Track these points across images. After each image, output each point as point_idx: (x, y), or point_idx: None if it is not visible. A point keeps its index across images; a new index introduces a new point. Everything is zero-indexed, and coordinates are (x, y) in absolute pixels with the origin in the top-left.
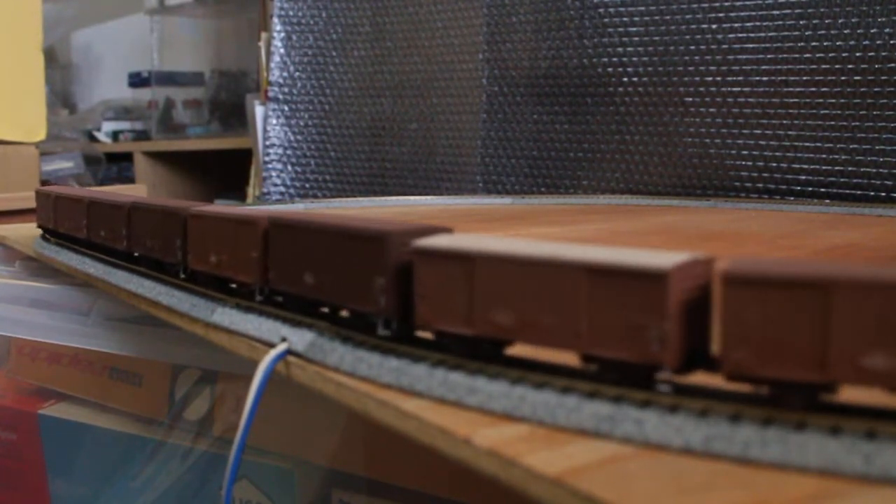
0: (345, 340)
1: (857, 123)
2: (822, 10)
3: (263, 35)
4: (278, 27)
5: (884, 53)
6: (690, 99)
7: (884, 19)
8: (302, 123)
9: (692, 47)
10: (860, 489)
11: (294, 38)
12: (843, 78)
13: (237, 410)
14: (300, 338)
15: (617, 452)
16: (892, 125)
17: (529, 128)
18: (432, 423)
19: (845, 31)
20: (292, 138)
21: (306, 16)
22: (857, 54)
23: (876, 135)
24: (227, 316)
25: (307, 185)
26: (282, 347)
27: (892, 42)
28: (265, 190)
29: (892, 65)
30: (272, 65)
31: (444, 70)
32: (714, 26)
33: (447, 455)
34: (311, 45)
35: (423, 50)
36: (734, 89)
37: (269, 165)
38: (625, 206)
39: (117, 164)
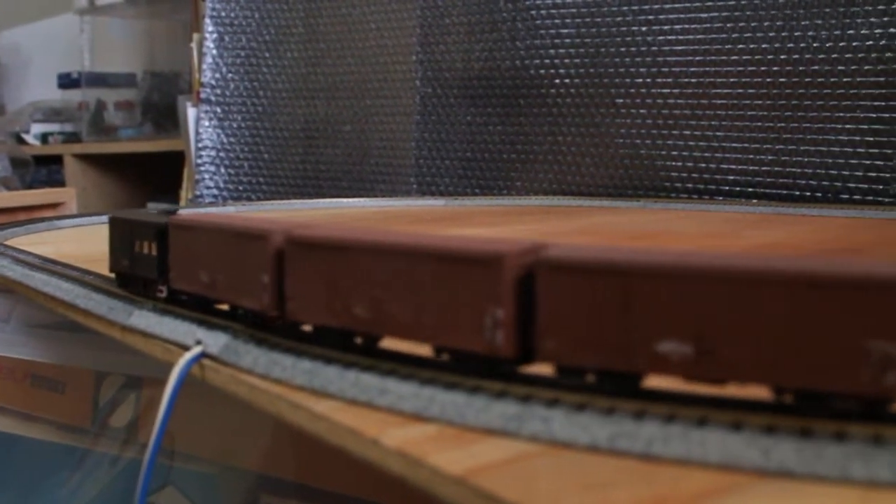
0: (259, 343)
1: (783, 124)
2: (747, 13)
3: (195, 36)
4: (210, 28)
5: (807, 56)
6: (621, 100)
7: (807, 22)
8: (235, 125)
9: (623, 49)
10: (758, 482)
11: (226, 39)
12: (768, 80)
13: None
14: (215, 340)
15: (523, 451)
16: (817, 126)
17: (463, 129)
18: (342, 424)
19: (770, 34)
20: (225, 140)
21: (238, 17)
22: (782, 56)
23: (801, 135)
24: (143, 319)
25: (240, 188)
26: (196, 350)
27: (815, 45)
28: (198, 193)
29: (815, 67)
30: (204, 66)
31: (378, 72)
32: (644, 28)
33: (356, 456)
34: (243, 46)
35: (356, 51)
36: (664, 90)
37: (202, 168)
38: (557, 207)
39: (46, 167)
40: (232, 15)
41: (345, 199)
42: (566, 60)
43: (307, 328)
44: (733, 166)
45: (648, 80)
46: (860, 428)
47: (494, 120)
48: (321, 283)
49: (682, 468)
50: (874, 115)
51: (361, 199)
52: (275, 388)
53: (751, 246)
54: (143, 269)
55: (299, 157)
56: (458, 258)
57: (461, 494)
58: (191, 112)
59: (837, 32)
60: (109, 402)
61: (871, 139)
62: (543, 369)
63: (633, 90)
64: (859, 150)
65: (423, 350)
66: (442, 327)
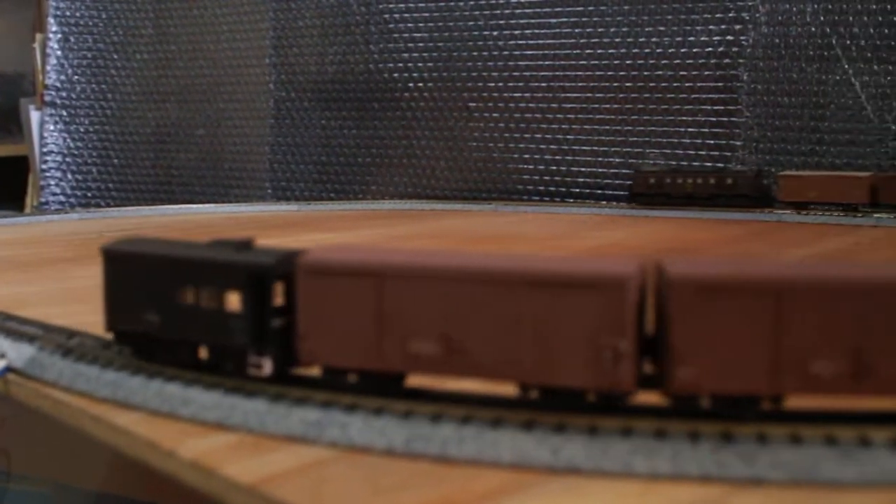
0: (65, 354)
1: (630, 128)
2: (595, 19)
3: (38, 36)
4: (54, 28)
5: (651, 61)
6: (474, 104)
7: (651, 29)
8: (82, 129)
9: (475, 53)
10: (547, 480)
11: (72, 39)
12: (615, 84)
13: None
14: (20, 353)
15: (321, 457)
16: (661, 129)
17: (318, 133)
18: (141, 437)
19: (616, 40)
20: (72, 145)
21: (84, 16)
22: (628, 62)
23: (647, 138)
24: None
25: (89, 194)
26: (0, 364)
27: (658, 51)
28: (43, 200)
29: (659, 72)
30: (48, 67)
31: (231, 75)
32: (496, 33)
33: (156, 468)
34: (90, 47)
35: (208, 54)
36: (515, 95)
37: (48, 174)
38: (409, 210)
39: None
40: (77, 14)
41: (196, 205)
42: (419, 64)
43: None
44: (583, 169)
45: (500, 84)
46: (646, 423)
47: (349, 123)
48: (364, 318)
49: (475, 468)
50: (714, 119)
51: (212, 205)
52: (78, 402)
53: (593, 247)
54: (202, 329)
55: (150, 161)
56: (562, 283)
57: (253, 503)
58: (34, 115)
59: (679, 39)
60: None
61: (712, 142)
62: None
63: (485, 94)
64: (701, 152)
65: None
66: (539, 363)
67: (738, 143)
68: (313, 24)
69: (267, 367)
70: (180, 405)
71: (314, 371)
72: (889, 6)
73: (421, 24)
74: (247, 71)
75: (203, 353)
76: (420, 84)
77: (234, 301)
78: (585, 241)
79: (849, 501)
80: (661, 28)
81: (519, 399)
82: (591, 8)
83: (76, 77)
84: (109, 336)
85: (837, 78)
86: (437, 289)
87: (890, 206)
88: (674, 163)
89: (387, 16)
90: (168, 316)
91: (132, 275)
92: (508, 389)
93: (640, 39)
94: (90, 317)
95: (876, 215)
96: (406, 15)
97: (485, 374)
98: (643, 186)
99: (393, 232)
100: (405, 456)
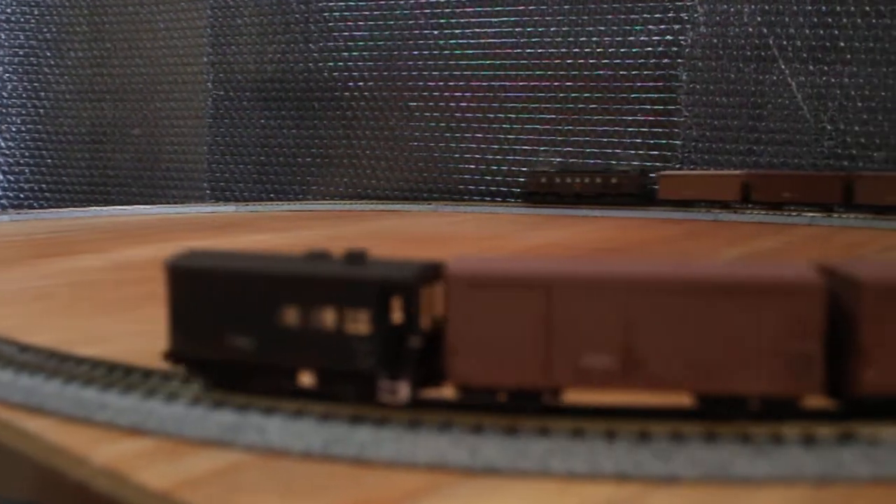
0: None
1: (570, 127)
2: (535, 18)
3: None
4: None
5: (591, 61)
6: (415, 104)
7: (591, 28)
8: (14, 129)
9: (415, 53)
10: (463, 481)
11: (2, 36)
12: (555, 84)
13: None
14: None
15: (237, 461)
16: (600, 129)
17: (257, 133)
18: (52, 443)
19: (557, 40)
20: (3, 145)
21: (16, 12)
22: (568, 61)
23: (586, 138)
24: None
25: (21, 196)
26: None
27: (598, 50)
28: None
29: (599, 72)
30: None
31: (168, 73)
32: (436, 32)
33: (67, 476)
34: (21, 44)
35: (144, 52)
36: (456, 94)
37: None
38: (349, 211)
39: None
40: (8, 10)
41: (129, 207)
42: (360, 63)
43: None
44: (523, 168)
45: (441, 83)
46: (562, 423)
47: (289, 123)
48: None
49: (392, 470)
50: (654, 119)
51: (148, 206)
52: None
53: (532, 246)
54: (312, 353)
55: (86, 162)
56: (750, 289)
57: None
58: None
59: (619, 39)
60: None
61: (652, 141)
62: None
63: (426, 94)
64: (640, 151)
65: None
66: (718, 371)
67: (678, 142)
68: (252, 23)
69: (403, 392)
70: (96, 410)
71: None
72: (824, 7)
73: (361, 23)
74: (184, 69)
75: (308, 379)
76: (360, 83)
77: (359, 321)
78: (524, 241)
79: (760, 497)
80: (602, 28)
81: (683, 409)
82: (531, 7)
83: (7, 75)
84: (27, 341)
85: (774, 78)
86: (614, 299)
87: (761, 203)
88: (613, 162)
89: (326, 14)
90: (265, 340)
91: (211, 295)
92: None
93: (581, 39)
94: (9, 321)
95: (808, 214)
96: (346, 14)
97: (662, 385)
98: (535, 186)
99: (331, 233)
100: (323, 459)
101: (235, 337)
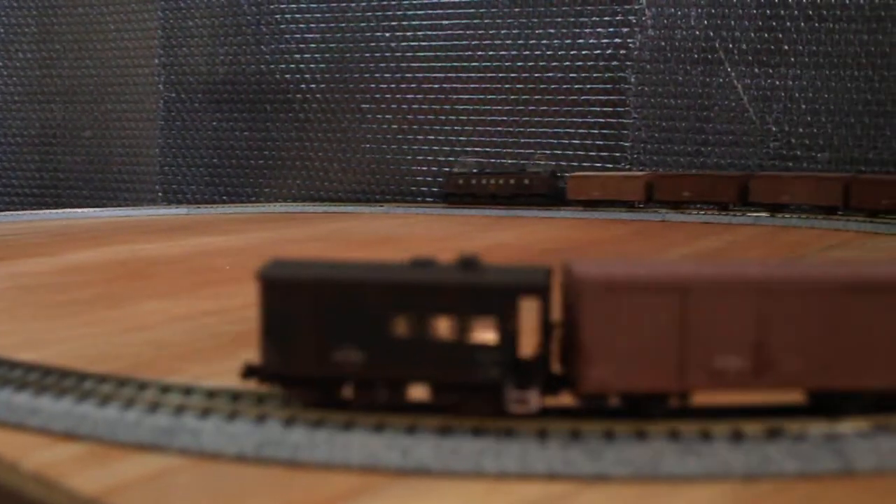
0: None
1: (521, 129)
2: (486, 21)
3: None
4: None
5: (542, 63)
6: (367, 106)
7: (541, 31)
8: None
9: (367, 55)
10: (395, 481)
11: None
12: (507, 86)
13: None
14: None
15: (169, 465)
16: (551, 131)
17: (209, 135)
18: None
19: (507, 42)
20: None
21: None
22: (519, 64)
23: (538, 140)
24: None
25: None
26: None
27: (548, 53)
28: None
29: (550, 74)
30: None
31: (119, 75)
32: (388, 34)
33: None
34: None
35: (95, 53)
36: (408, 96)
37: None
38: (301, 213)
39: None
40: None
41: (80, 210)
42: (312, 65)
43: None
44: (475, 170)
45: (393, 85)
46: (494, 423)
47: (241, 125)
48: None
49: (325, 472)
50: (603, 120)
51: (98, 209)
52: None
53: (483, 247)
54: (429, 365)
55: (35, 164)
56: (877, 287)
57: None
58: None
59: (569, 42)
60: None
61: (602, 143)
62: None
63: (378, 96)
64: (591, 153)
65: None
66: (850, 368)
67: (627, 143)
68: (203, 24)
69: (534, 401)
70: (28, 415)
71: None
72: (768, 11)
73: (313, 25)
74: (135, 71)
75: (420, 392)
76: (313, 85)
77: (484, 329)
78: (475, 242)
79: (688, 494)
80: (552, 31)
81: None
82: (482, 10)
83: None
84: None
85: (721, 80)
86: (749, 300)
87: (664, 203)
88: (564, 163)
89: (278, 16)
90: (376, 353)
91: (314, 307)
92: None
93: (531, 42)
94: None
95: (752, 214)
96: (298, 16)
97: (789, 384)
98: (453, 187)
99: (281, 235)
100: (256, 462)
101: (343, 351)
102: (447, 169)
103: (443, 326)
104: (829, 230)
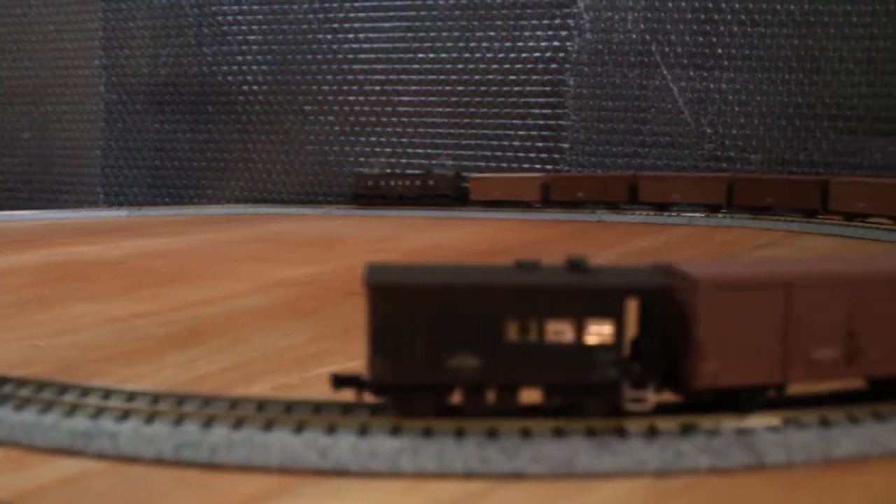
0: None
1: (462, 131)
2: (427, 23)
3: None
4: None
5: (482, 66)
6: (309, 107)
7: (481, 34)
8: None
9: (309, 56)
10: (314, 481)
11: None
12: (447, 88)
13: None
14: None
15: (87, 469)
16: (491, 133)
17: (151, 137)
18: None
19: (448, 44)
20: None
21: None
22: (460, 66)
23: (477, 141)
24: None
25: None
26: None
27: (489, 55)
28: None
29: (490, 76)
30: None
31: (59, 76)
32: (329, 36)
33: None
34: None
35: (33, 54)
36: (350, 98)
37: None
38: (242, 214)
39: None
40: None
41: (18, 212)
42: (254, 67)
43: None
44: (417, 171)
45: (335, 87)
46: (412, 422)
47: (183, 127)
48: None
49: (243, 473)
50: (542, 122)
51: (36, 212)
52: None
53: (420, 248)
54: (543, 368)
55: None
56: None
57: None
58: None
59: (508, 44)
60: None
61: (541, 144)
62: None
63: (320, 97)
64: (531, 154)
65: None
66: None
67: (566, 145)
68: (144, 26)
69: (652, 398)
70: None
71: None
72: (703, 16)
73: (255, 27)
74: (75, 72)
75: (532, 395)
76: (255, 87)
77: (602, 330)
78: (412, 243)
79: (603, 490)
80: (492, 33)
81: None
82: (423, 13)
83: None
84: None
85: (657, 83)
86: (842, 294)
87: (559, 203)
88: (505, 165)
89: (220, 18)
90: (489, 358)
91: (426, 313)
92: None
93: (472, 44)
94: None
95: (686, 215)
96: (239, 17)
97: (874, 371)
98: (363, 188)
99: (222, 237)
100: (175, 464)
101: (459, 357)
102: (391, 170)
103: (559, 329)
104: (759, 230)
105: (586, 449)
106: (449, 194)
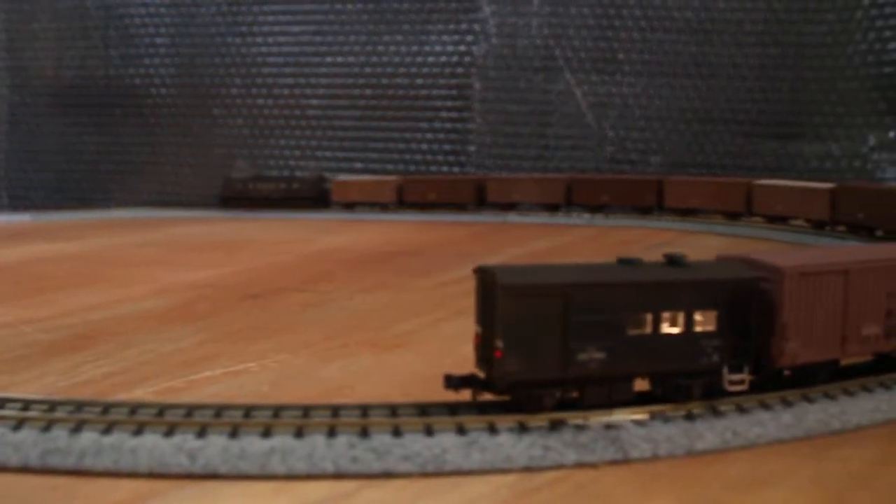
0: None
1: (371, 133)
2: (335, 27)
3: None
4: None
5: (390, 69)
6: (218, 110)
7: (388, 38)
8: None
9: (217, 59)
10: (183, 485)
11: None
12: (355, 91)
13: None
14: None
15: None
16: (399, 135)
17: (56, 140)
18: None
19: (356, 48)
20: None
21: None
22: (367, 69)
23: (383, 144)
24: None
25: None
26: None
27: (396, 59)
28: None
29: (398, 80)
30: None
31: None
32: (238, 39)
33: None
34: None
35: None
36: (259, 101)
37: None
38: (148, 218)
39: None
40: None
41: None
42: (161, 70)
43: None
44: (327, 173)
45: (244, 90)
46: (284, 422)
47: (90, 130)
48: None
49: (112, 479)
50: (450, 126)
51: None
52: None
53: (322, 249)
54: (657, 358)
55: None
56: None
57: None
58: None
59: (415, 48)
60: None
61: (448, 147)
62: None
63: (228, 100)
64: (438, 157)
65: None
66: None
67: (472, 148)
68: (49, 27)
69: (747, 380)
70: None
71: None
72: (604, 22)
73: (162, 30)
74: None
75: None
76: (163, 90)
77: (707, 320)
78: (314, 245)
79: (470, 487)
80: (399, 37)
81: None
82: (331, 17)
83: None
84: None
85: (561, 87)
86: (885, 277)
87: (413, 204)
88: (413, 168)
89: (126, 20)
90: (615, 351)
91: (559, 311)
92: None
93: (379, 48)
94: None
95: (585, 216)
96: (147, 20)
97: None
98: (232, 191)
99: (123, 241)
100: (42, 471)
101: (588, 352)
102: (301, 172)
103: (672, 320)
104: (651, 230)
105: (455, 447)
106: (311, 197)
